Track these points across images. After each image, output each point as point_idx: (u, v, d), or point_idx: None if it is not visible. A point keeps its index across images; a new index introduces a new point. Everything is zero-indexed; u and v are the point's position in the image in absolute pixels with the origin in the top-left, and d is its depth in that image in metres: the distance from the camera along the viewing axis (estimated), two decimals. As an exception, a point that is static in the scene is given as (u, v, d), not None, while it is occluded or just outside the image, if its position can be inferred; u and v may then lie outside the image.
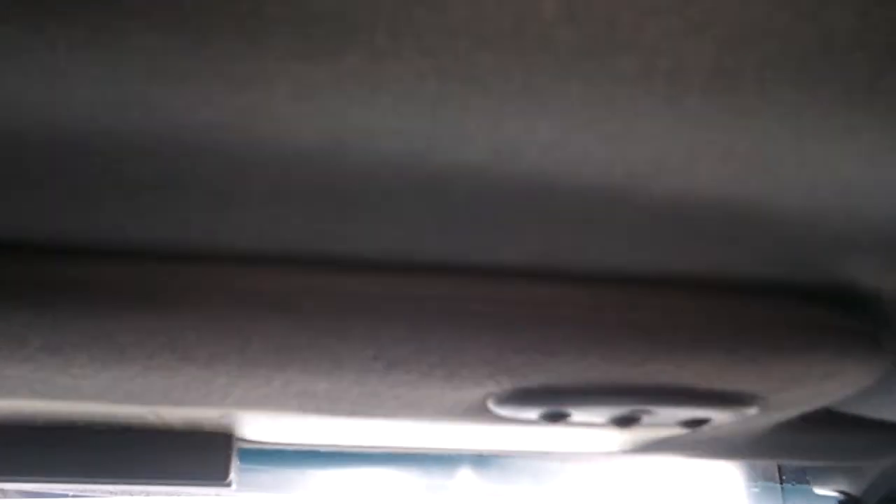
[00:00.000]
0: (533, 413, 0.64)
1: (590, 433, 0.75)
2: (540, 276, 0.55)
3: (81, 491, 1.00)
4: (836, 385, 0.62)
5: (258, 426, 0.78)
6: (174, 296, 0.53)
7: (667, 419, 0.65)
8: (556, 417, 0.64)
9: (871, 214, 0.49)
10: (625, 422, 0.65)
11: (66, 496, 1.13)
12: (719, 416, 0.65)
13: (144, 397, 0.62)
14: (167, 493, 0.87)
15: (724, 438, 0.87)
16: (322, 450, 0.90)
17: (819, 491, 1.18)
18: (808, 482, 1.22)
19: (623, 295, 0.56)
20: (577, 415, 0.64)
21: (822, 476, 1.18)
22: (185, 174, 0.45)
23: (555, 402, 0.62)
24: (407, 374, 0.59)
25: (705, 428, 0.75)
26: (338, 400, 0.63)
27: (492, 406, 0.64)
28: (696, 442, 0.87)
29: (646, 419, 0.65)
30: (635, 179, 0.46)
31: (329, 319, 0.54)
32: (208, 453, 0.76)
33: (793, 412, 0.73)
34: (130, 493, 1.03)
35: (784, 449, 0.99)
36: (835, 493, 1.14)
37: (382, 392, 0.62)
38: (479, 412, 0.66)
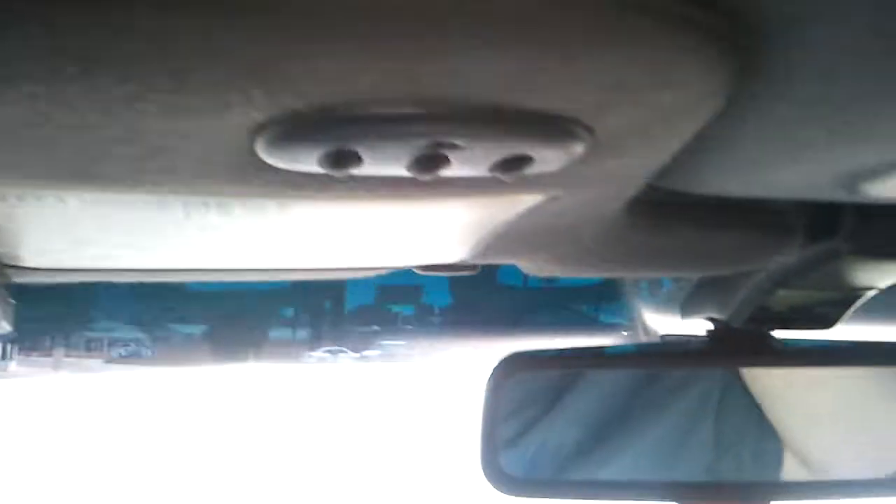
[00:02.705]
0: (312, 155, 0.52)
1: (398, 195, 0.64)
2: None
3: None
4: (674, 101, 0.51)
5: None
6: None
7: (478, 158, 0.54)
8: (342, 160, 0.52)
9: None
10: (428, 163, 0.54)
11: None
12: (541, 154, 0.54)
13: None
14: None
15: (569, 228, 0.79)
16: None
17: (689, 320, 1.13)
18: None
19: None
20: (368, 156, 0.52)
21: (691, 305, 1.14)
22: None
23: (337, 134, 0.50)
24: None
25: (537, 194, 0.65)
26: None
27: (261, 152, 0.52)
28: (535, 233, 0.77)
29: (454, 160, 0.54)
30: None
31: None
32: None
33: (634, 163, 0.63)
34: None
35: (647, 257, 0.91)
36: (704, 320, 1.09)
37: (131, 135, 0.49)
38: (248, 165, 0.54)
